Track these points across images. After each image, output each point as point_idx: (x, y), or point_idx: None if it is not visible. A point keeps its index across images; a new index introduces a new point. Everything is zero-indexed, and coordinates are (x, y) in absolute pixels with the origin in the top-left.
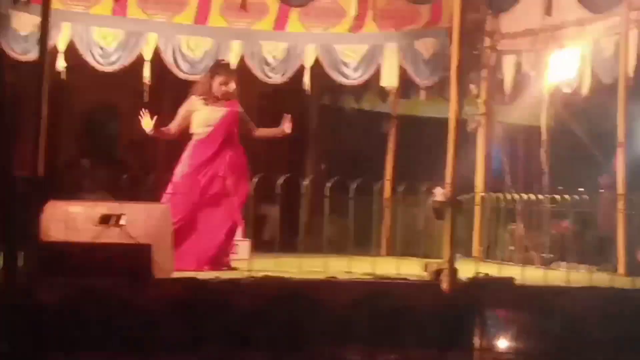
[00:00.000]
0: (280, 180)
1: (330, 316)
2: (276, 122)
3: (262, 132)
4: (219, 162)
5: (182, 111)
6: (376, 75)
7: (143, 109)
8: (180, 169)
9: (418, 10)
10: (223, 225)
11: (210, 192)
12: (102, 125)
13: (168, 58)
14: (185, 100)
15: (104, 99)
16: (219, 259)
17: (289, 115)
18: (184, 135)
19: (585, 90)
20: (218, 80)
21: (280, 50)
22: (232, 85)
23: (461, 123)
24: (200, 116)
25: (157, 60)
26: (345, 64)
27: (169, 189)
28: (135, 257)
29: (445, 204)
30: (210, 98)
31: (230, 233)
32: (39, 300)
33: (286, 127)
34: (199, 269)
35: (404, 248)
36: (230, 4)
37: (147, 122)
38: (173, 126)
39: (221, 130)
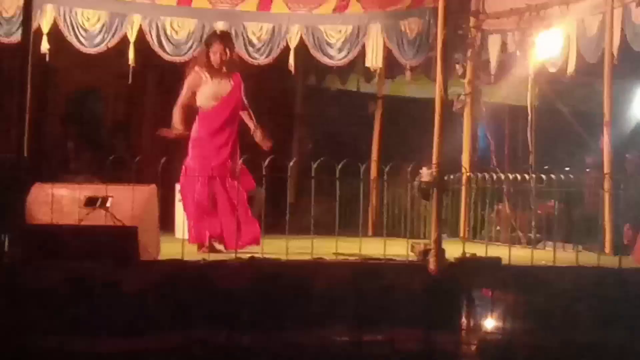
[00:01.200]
0: (266, 162)
1: (318, 297)
2: (260, 104)
3: (245, 116)
4: (225, 138)
5: (188, 84)
6: (361, 56)
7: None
8: (192, 149)
9: None
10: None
11: (221, 170)
12: (87, 108)
13: (152, 40)
14: (187, 73)
15: (88, 81)
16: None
17: (270, 140)
18: (169, 117)
19: (570, 69)
20: (212, 49)
21: (264, 31)
22: (227, 52)
23: (447, 103)
24: (207, 90)
25: (142, 41)
26: (330, 45)
27: (184, 170)
28: (121, 239)
29: (431, 184)
30: (213, 70)
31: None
32: (24, 283)
33: (264, 144)
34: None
35: (390, 229)
36: None
37: (175, 129)
38: (182, 101)
39: (228, 104)
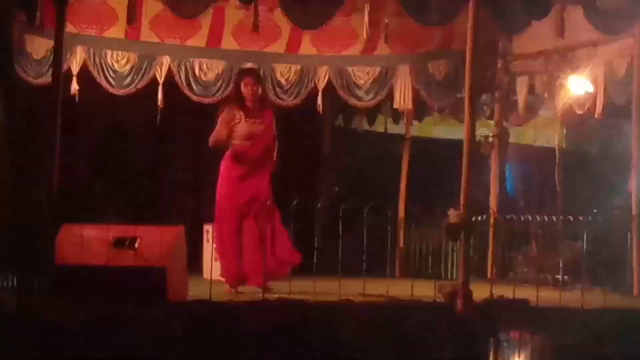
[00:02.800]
0: (294, 203)
1: (345, 338)
2: (288, 144)
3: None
4: (257, 176)
5: (223, 120)
6: (389, 97)
7: None
8: (222, 187)
9: (431, 32)
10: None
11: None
12: (116, 148)
13: (181, 81)
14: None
15: (117, 122)
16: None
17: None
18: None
19: (598, 111)
20: (244, 82)
21: (292, 72)
22: (256, 85)
23: (474, 145)
24: (240, 129)
25: (171, 83)
26: (358, 86)
27: (217, 208)
28: (149, 279)
29: (458, 226)
30: (246, 109)
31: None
32: (52, 323)
33: None
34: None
35: (417, 270)
36: (242, 27)
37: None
38: (217, 136)
39: (260, 143)
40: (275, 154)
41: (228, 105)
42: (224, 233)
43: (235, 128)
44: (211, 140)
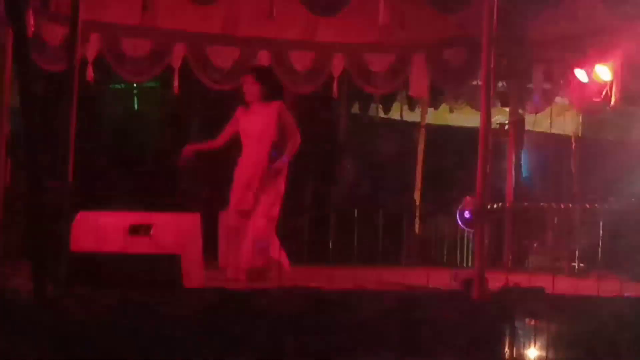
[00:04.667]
0: (310, 191)
1: (360, 326)
2: (305, 132)
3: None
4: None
5: (231, 121)
6: (405, 85)
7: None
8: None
9: (446, 19)
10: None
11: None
12: (132, 135)
13: (196, 68)
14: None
15: (133, 109)
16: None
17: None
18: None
19: (615, 99)
20: (243, 82)
21: (308, 59)
22: (254, 85)
23: (490, 132)
24: (242, 127)
25: (186, 70)
26: (374, 73)
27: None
28: (164, 267)
29: (475, 213)
30: (249, 105)
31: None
32: (68, 311)
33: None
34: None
35: (433, 257)
36: (258, 14)
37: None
38: (220, 136)
39: (260, 138)
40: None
41: (238, 108)
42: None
43: (239, 123)
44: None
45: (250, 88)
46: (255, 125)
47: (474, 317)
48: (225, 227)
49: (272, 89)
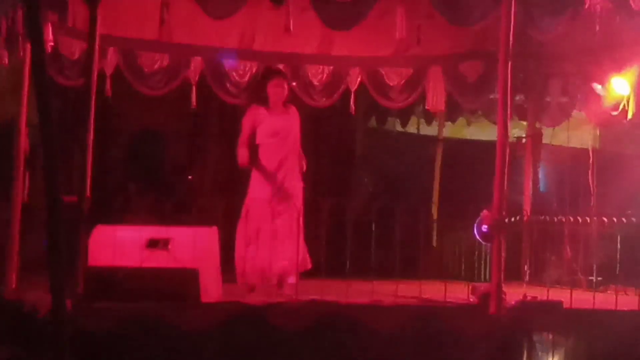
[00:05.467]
0: (327, 204)
1: (377, 340)
2: (321, 146)
3: None
4: (284, 173)
5: (247, 122)
6: (421, 98)
7: None
8: (251, 186)
9: (463, 33)
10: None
11: (280, 207)
12: (149, 149)
13: (214, 82)
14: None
15: (150, 123)
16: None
17: None
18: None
19: (631, 112)
20: (273, 83)
21: (325, 73)
22: (284, 85)
23: (508, 146)
24: (266, 126)
25: (203, 83)
26: (390, 87)
27: (244, 207)
28: (182, 281)
29: (492, 227)
30: (271, 106)
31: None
32: (85, 325)
33: None
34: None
35: (451, 271)
36: (274, 28)
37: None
38: (243, 139)
39: (286, 139)
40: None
41: (251, 106)
42: (245, 232)
43: (261, 127)
44: (238, 161)
45: (280, 90)
46: (285, 125)
47: (491, 331)
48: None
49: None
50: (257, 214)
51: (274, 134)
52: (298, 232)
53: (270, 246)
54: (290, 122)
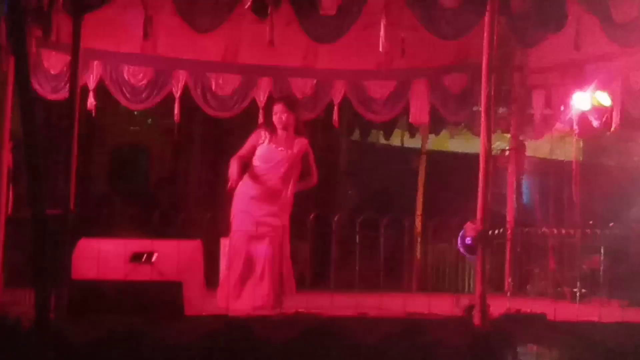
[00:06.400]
0: (311, 217)
1: (362, 352)
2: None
3: (304, 181)
4: (272, 204)
5: (250, 139)
6: (405, 111)
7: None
8: (237, 204)
9: (447, 46)
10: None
11: (264, 230)
12: (133, 163)
13: (198, 95)
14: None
15: (134, 137)
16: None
17: None
18: (214, 172)
19: (614, 124)
20: (273, 110)
21: (309, 86)
22: (286, 114)
23: (491, 158)
24: (261, 151)
25: (187, 97)
26: (374, 100)
27: (232, 228)
28: (166, 294)
29: (475, 239)
30: (274, 134)
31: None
32: (70, 338)
33: None
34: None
35: (434, 283)
36: (258, 41)
37: (232, 179)
38: (241, 153)
39: (277, 170)
40: (304, 183)
41: (263, 127)
42: (231, 250)
43: (258, 149)
44: (232, 161)
45: (278, 118)
46: (279, 153)
47: (475, 344)
48: (234, 252)
49: (300, 121)
50: (239, 246)
51: (266, 160)
52: (272, 268)
53: (252, 285)
54: (288, 155)
